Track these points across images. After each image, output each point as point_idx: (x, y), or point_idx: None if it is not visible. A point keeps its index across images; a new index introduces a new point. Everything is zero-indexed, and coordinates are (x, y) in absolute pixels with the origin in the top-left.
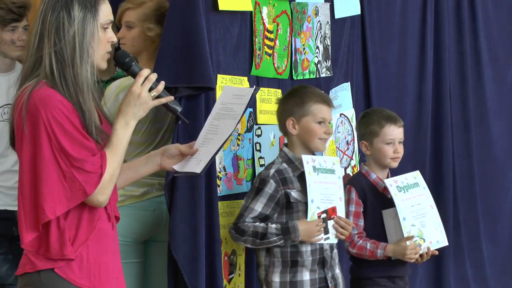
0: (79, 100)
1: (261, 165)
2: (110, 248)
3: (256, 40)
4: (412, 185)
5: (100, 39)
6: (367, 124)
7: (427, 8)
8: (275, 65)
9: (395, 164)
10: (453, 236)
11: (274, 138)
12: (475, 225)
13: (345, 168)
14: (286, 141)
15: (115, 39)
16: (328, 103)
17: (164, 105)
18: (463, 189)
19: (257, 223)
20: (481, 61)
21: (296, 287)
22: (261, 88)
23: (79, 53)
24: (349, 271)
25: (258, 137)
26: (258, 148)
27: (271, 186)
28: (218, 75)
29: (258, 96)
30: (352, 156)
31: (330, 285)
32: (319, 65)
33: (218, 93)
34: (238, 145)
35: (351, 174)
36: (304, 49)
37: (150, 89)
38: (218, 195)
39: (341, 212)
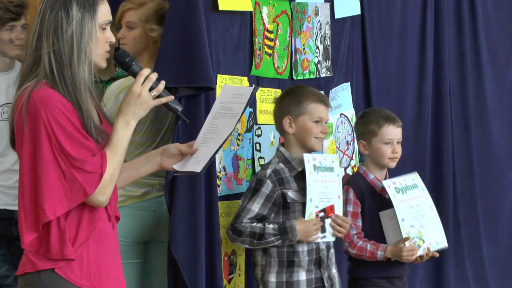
0: (77, 100)
1: (261, 165)
2: (110, 248)
3: (256, 40)
4: (411, 186)
5: (98, 39)
6: (366, 123)
7: (427, 8)
8: (275, 65)
9: (393, 164)
10: (453, 236)
11: (274, 138)
12: (475, 225)
13: (345, 168)
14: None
15: (113, 39)
16: (325, 102)
17: (164, 104)
18: (463, 189)
19: (254, 224)
20: (481, 61)
21: (293, 287)
22: (261, 88)
23: (77, 53)
24: (347, 271)
25: (258, 137)
26: (258, 148)
27: (268, 187)
28: (218, 75)
29: (258, 96)
30: (352, 156)
31: (326, 285)
32: (319, 65)
33: (218, 93)
34: (238, 145)
35: (351, 174)
36: (304, 49)
37: (151, 89)
38: (218, 195)
39: (338, 210)
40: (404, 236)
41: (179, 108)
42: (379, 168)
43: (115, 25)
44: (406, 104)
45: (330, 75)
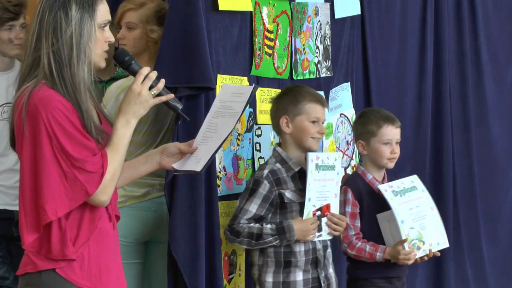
0: (77, 100)
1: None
2: (111, 248)
3: (256, 40)
4: (409, 188)
5: (97, 39)
6: (365, 123)
7: (427, 8)
8: (275, 65)
9: (391, 165)
10: (453, 236)
11: (274, 138)
12: (475, 225)
13: (345, 168)
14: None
15: (112, 39)
16: (322, 102)
17: (164, 103)
18: (463, 189)
19: (252, 224)
20: (481, 61)
21: (289, 287)
22: (261, 88)
23: (76, 53)
24: (346, 271)
25: (258, 137)
26: (258, 148)
27: (265, 187)
28: (218, 75)
29: (258, 96)
30: (352, 156)
31: (323, 285)
32: (319, 65)
33: (218, 93)
34: (238, 145)
35: (349, 175)
36: (304, 49)
37: (150, 87)
38: (218, 195)
39: (334, 208)
40: (403, 237)
41: (179, 106)
42: (377, 169)
43: (114, 25)
44: (406, 104)
45: (330, 75)
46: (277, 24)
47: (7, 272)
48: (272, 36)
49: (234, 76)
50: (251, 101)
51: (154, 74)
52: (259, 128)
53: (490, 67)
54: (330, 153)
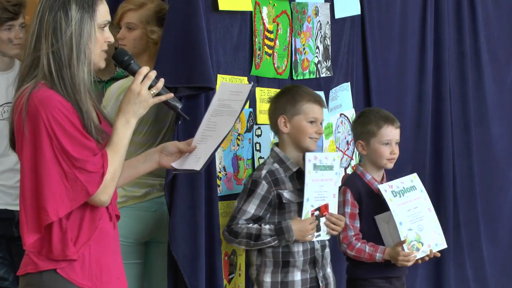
0: (77, 100)
1: None
2: (111, 248)
3: (256, 40)
4: (409, 188)
5: (97, 40)
6: (364, 123)
7: (427, 8)
8: (275, 65)
9: (390, 165)
10: (453, 236)
11: (274, 138)
12: (475, 225)
13: (345, 168)
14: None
15: (112, 39)
16: (320, 103)
17: (164, 102)
18: (463, 189)
19: (250, 225)
20: (481, 61)
21: (288, 287)
22: (261, 88)
23: (76, 54)
24: (345, 271)
25: (258, 137)
26: (258, 148)
27: (263, 188)
28: (218, 75)
29: (258, 96)
30: (352, 156)
31: (321, 284)
32: (319, 65)
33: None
34: (238, 145)
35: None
36: (304, 49)
37: (150, 87)
38: (218, 195)
39: (333, 208)
40: (402, 239)
41: (179, 105)
42: (376, 169)
43: (114, 26)
44: (406, 104)
45: (330, 75)
46: (277, 24)
47: (6, 273)
48: (272, 36)
49: (234, 76)
50: (251, 101)
51: (153, 74)
52: (259, 128)
53: (490, 67)
54: (329, 153)
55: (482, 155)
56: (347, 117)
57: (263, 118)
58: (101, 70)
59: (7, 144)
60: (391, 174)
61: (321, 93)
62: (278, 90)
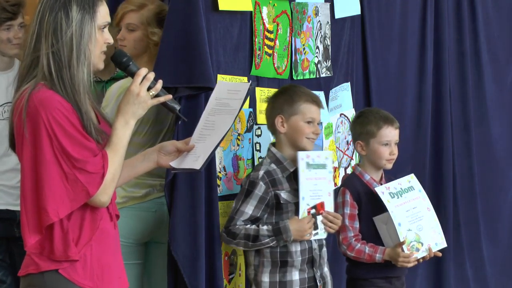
0: (76, 101)
1: None
2: (112, 248)
3: (256, 40)
4: (406, 189)
5: (97, 41)
6: (364, 124)
7: (427, 8)
8: (275, 65)
9: (389, 166)
10: (453, 236)
11: (273, 138)
12: (475, 225)
13: (345, 168)
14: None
15: (111, 41)
16: (318, 103)
17: (162, 104)
18: (463, 189)
19: (248, 226)
20: (481, 61)
21: (286, 287)
22: (261, 88)
23: (76, 55)
24: (345, 271)
25: (258, 137)
26: (258, 148)
27: (261, 188)
28: (218, 75)
29: (258, 96)
30: (352, 156)
31: (319, 284)
32: (319, 65)
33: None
34: (238, 145)
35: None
36: (304, 49)
37: (149, 88)
38: (218, 195)
39: (329, 206)
40: (401, 240)
41: (178, 107)
42: (375, 169)
43: (113, 26)
44: (406, 104)
45: (330, 75)
46: (277, 24)
47: (4, 275)
48: (272, 36)
49: (234, 76)
50: (251, 101)
51: (152, 75)
52: (259, 128)
53: (490, 67)
54: (321, 152)
55: (482, 155)
56: (347, 117)
57: (263, 118)
58: (101, 70)
59: (8, 144)
60: (391, 174)
61: (321, 93)
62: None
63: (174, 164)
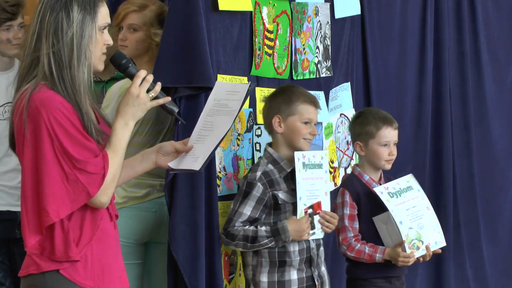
0: (77, 101)
1: None
2: (112, 248)
3: (256, 40)
4: (405, 189)
5: (97, 42)
6: (363, 124)
7: (427, 8)
8: (275, 65)
9: (388, 166)
10: (453, 236)
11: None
12: (475, 225)
13: (345, 168)
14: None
15: (111, 42)
16: (315, 104)
17: (161, 106)
18: (463, 189)
19: (247, 227)
20: (481, 61)
21: (284, 286)
22: (261, 88)
23: (77, 55)
24: (345, 271)
25: (258, 137)
26: (258, 148)
27: (258, 189)
28: (218, 75)
29: (258, 96)
30: (352, 156)
31: (317, 283)
32: (319, 65)
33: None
34: (238, 145)
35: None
36: (304, 49)
37: (148, 90)
38: (218, 195)
39: (326, 206)
40: (404, 239)
41: (176, 109)
42: (374, 169)
43: (111, 26)
44: (406, 104)
45: (330, 75)
46: (277, 24)
47: (3, 277)
48: (272, 36)
49: (234, 76)
50: (251, 101)
51: (151, 77)
52: (259, 128)
53: (490, 67)
54: (316, 152)
55: (482, 155)
56: (347, 117)
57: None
58: (100, 71)
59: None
60: (391, 174)
61: (321, 93)
62: None
63: (172, 164)
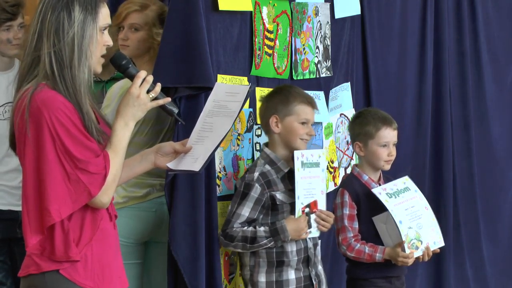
0: (78, 101)
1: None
2: (112, 248)
3: (256, 40)
4: (403, 190)
5: (98, 42)
6: (362, 125)
7: (427, 8)
8: (275, 65)
9: (387, 167)
10: (453, 236)
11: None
12: (475, 225)
13: (345, 168)
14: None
15: (111, 43)
16: (312, 104)
17: (161, 106)
18: (463, 189)
19: (245, 228)
20: (481, 61)
21: (282, 286)
22: (261, 88)
23: (78, 55)
24: (345, 271)
25: (258, 137)
26: (258, 148)
27: (256, 190)
28: (218, 75)
29: (258, 96)
30: (352, 156)
31: (314, 282)
32: (319, 65)
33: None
34: (238, 145)
35: (346, 176)
36: (304, 49)
37: (148, 91)
38: (219, 195)
39: (322, 205)
40: (403, 238)
41: (175, 110)
42: (373, 170)
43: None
44: (406, 104)
45: (330, 75)
46: (277, 24)
47: (4, 277)
48: (272, 36)
49: (234, 76)
50: (251, 101)
51: (151, 78)
52: (259, 128)
53: (490, 67)
54: (314, 150)
55: (482, 155)
56: (347, 117)
57: None
58: (99, 73)
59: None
60: (391, 174)
61: (321, 93)
62: None
63: (171, 165)
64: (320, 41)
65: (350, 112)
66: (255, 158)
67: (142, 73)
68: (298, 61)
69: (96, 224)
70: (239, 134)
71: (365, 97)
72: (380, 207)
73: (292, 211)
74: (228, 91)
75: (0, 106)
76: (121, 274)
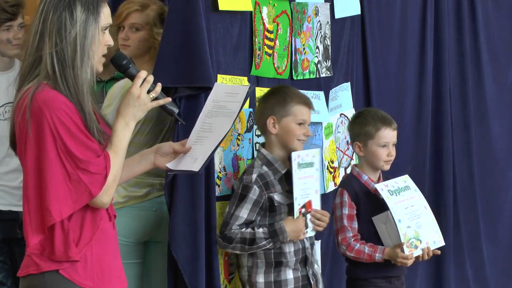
0: (79, 101)
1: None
2: (112, 248)
3: (256, 40)
4: (403, 188)
5: (100, 42)
6: (362, 125)
7: (427, 8)
8: (275, 65)
9: (387, 167)
10: (453, 236)
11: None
12: (475, 225)
13: (345, 168)
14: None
15: (112, 42)
16: (309, 105)
17: (161, 106)
18: (463, 189)
19: (244, 229)
20: (481, 61)
21: (281, 286)
22: (261, 88)
23: (80, 55)
24: (345, 271)
25: (258, 137)
26: (258, 148)
27: (255, 192)
28: (218, 75)
29: (258, 96)
30: (352, 156)
31: (312, 282)
32: (319, 65)
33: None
34: (238, 145)
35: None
36: (304, 49)
37: (148, 91)
38: (219, 195)
39: (316, 204)
40: (401, 237)
41: (176, 110)
42: (373, 170)
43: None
44: (406, 104)
45: (330, 75)
46: (277, 24)
47: (5, 277)
48: (272, 36)
49: (234, 76)
50: (251, 101)
51: (151, 78)
52: None
53: (490, 67)
54: (309, 150)
55: (482, 155)
56: (347, 117)
57: None
58: (100, 72)
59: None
60: (390, 174)
61: (321, 93)
62: None
63: (171, 165)
64: (320, 41)
65: (350, 112)
66: None
67: (143, 73)
68: (298, 61)
69: (96, 224)
70: (239, 134)
71: (365, 97)
72: (379, 207)
73: (290, 212)
74: (227, 91)
75: (0, 106)
76: (120, 274)
